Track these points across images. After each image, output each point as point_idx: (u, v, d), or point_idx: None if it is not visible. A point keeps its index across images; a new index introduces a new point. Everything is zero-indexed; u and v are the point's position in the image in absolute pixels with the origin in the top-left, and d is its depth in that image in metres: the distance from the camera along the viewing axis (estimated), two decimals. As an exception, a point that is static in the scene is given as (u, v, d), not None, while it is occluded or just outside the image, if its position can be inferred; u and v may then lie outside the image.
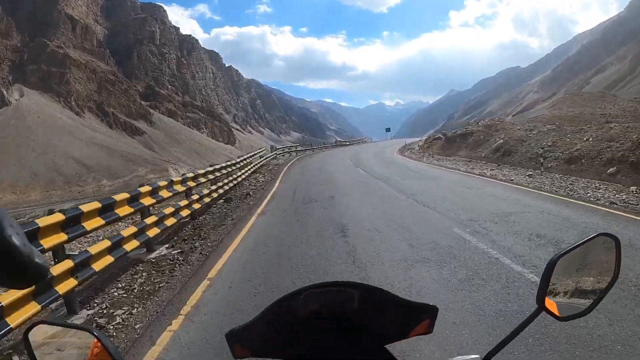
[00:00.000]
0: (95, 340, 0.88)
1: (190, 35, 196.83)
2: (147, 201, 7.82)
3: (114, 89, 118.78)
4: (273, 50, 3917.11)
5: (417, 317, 0.98)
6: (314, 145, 50.51)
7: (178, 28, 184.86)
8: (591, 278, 0.93)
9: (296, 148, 43.40)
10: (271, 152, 30.09)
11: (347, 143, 68.87)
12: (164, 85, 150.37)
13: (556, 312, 0.90)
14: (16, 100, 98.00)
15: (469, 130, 30.97)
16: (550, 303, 0.90)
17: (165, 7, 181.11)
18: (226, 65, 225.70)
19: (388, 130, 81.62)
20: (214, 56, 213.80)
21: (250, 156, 25.31)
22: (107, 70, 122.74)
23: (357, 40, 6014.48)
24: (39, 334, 0.90)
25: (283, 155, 41.61)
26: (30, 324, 0.91)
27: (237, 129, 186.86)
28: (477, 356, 0.90)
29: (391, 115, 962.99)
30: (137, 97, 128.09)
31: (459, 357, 0.94)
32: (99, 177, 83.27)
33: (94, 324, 5.03)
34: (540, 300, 0.89)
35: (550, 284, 0.90)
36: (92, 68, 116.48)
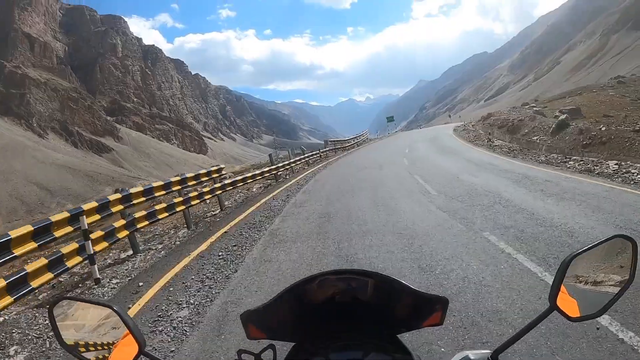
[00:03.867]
0: (116, 315, 0.91)
1: (154, 45, 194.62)
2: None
3: (77, 107, 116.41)
4: (239, 55, 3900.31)
5: (429, 308, 0.99)
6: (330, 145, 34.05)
7: (140, 39, 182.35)
8: (605, 280, 0.93)
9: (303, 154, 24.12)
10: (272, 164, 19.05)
11: (351, 142, 40.31)
12: (130, 99, 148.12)
13: (568, 312, 0.90)
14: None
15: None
16: (562, 303, 0.90)
17: (126, 19, 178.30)
18: (193, 74, 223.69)
19: (390, 119, 61.41)
20: (179, 65, 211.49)
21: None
22: (69, 88, 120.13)
23: (323, 38, 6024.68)
24: (63, 309, 0.94)
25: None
26: (55, 299, 0.96)
27: (208, 137, 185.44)
28: (488, 351, 0.91)
29: (363, 111, 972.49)
30: (102, 113, 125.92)
31: (469, 351, 0.95)
32: (63, 202, 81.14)
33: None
34: (553, 299, 0.89)
35: (564, 283, 0.90)
36: (53, 86, 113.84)
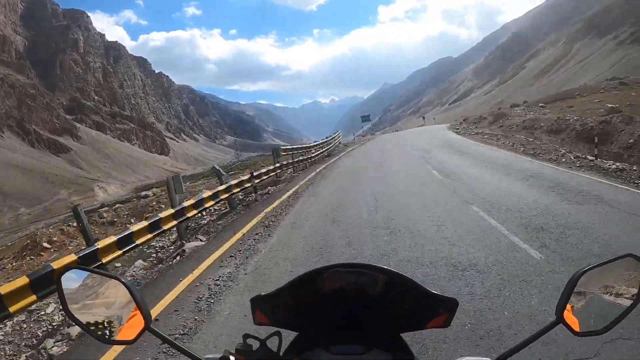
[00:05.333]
0: (123, 287, 0.92)
1: (117, 41, 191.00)
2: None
3: (35, 104, 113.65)
4: (204, 54, 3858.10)
5: (437, 309, 0.99)
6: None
7: (103, 35, 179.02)
8: (613, 297, 0.93)
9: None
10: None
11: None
12: (90, 96, 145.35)
13: (573, 326, 0.90)
14: None
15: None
16: (568, 316, 0.90)
17: (90, 14, 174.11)
18: (156, 72, 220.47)
19: (366, 119, 50.50)
20: (142, 63, 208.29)
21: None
22: (28, 84, 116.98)
23: (289, 40, 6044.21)
24: (70, 279, 0.96)
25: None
26: (64, 268, 0.97)
27: (170, 138, 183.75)
28: (488, 359, 0.92)
29: (327, 113, 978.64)
30: (61, 111, 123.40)
31: (469, 357, 0.96)
32: (16, 205, 79.76)
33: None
34: (560, 312, 0.89)
35: (572, 298, 0.90)
36: (10, 82, 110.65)
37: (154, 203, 17.96)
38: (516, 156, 16.31)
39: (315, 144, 25.73)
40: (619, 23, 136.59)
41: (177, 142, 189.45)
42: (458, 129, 35.65)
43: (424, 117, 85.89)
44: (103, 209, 18.18)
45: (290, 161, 18.29)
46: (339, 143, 34.53)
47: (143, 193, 19.94)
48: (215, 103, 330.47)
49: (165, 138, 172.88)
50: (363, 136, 49.58)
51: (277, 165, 15.98)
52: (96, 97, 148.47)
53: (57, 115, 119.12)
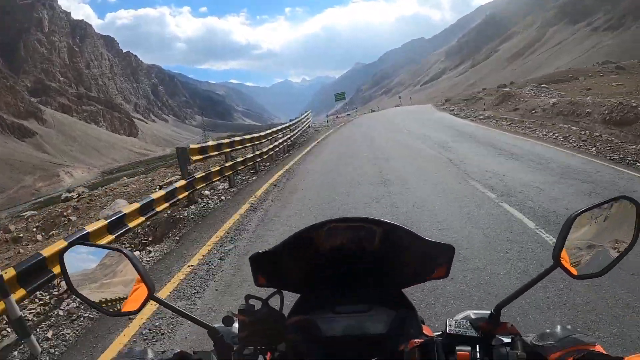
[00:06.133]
0: (125, 258, 0.92)
1: (83, 20, 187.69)
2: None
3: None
4: (173, 32, 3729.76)
5: (434, 260, 0.99)
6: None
7: (69, 13, 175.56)
8: (608, 240, 0.93)
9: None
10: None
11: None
12: (55, 78, 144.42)
13: (571, 270, 0.90)
14: None
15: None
16: (565, 260, 0.91)
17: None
18: (124, 51, 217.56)
19: (341, 97, 42.82)
20: (109, 42, 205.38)
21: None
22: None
23: (260, 18, 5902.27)
24: (74, 255, 0.96)
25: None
26: (66, 245, 0.97)
27: (139, 119, 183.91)
28: (488, 311, 0.93)
29: (298, 92, 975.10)
30: (25, 94, 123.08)
31: (470, 311, 0.97)
32: (-24, 194, 79.57)
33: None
34: (556, 256, 0.89)
35: (567, 240, 0.90)
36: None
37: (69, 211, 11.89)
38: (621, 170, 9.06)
39: (268, 131, 15.41)
40: (592, 10, 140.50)
41: (146, 123, 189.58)
42: (453, 109, 30.58)
43: (400, 97, 79.99)
44: (11, 220, 15.32)
45: (218, 167, 9.66)
46: (309, 127, 27.75)
47: (64, 195, 16.75)
48: (184, 83, 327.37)
49: (134, 119, 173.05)
50: (337, 117, 43.25)
51: (181, 184, 7.99)
52: (62, 79, 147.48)
53: (21, 98, 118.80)
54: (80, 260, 0.98)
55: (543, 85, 31.44)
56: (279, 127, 17.49)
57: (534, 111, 21.73)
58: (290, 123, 20.61)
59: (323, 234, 0.98)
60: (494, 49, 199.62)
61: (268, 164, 13.86)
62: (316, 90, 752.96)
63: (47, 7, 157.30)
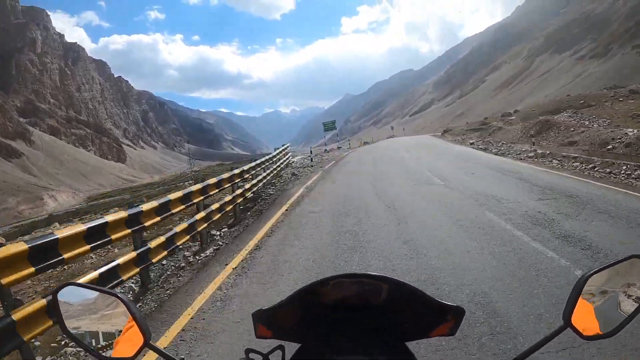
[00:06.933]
0: (121, 303, 0.91)
1: (76, 43, 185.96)
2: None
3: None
4: (166, 59, 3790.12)
5: (442, 317, 0.98)
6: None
7: (63, 35, 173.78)
8: (619, 300, 0.93)
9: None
10: None
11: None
12: (46, 99, 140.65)
13: (581, 331, 0.89)
14: None
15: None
16: (576, 321, 0.89)
17: (50, 13, 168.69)
18: (115, 76, 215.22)
19: (330, 127, 35.46)
20: (101, 66, 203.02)
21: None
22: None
23: (251, 48, 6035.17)
24: (67, 295, 0.95)
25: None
26: (60, 285, 0.95)
27: (127, 145, 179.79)
28: None
29: (288, 122, 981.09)
30: (14, 114, 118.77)
31: None
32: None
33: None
34: (567, 317, 0.89)
35: (578, 302, 0.90)
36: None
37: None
38: None
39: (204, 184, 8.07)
40: (578, 39, 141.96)
41: (135, 149, 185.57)
42: (473, 142, 25.89)
43: (392, 127, 75.92)
44: None
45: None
46: (287, 164, 20.63)
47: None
48: (175, 110, 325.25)
49: (123, 145, 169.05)
50: (327, 151, 35.16)
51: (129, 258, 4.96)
52: (52, 100, 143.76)
53: (10, 118, 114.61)
54: (75, 301, 0.96)
55: (582, 111, 26.08)
56: (234, 172, 10.03)
57: (608, 147, 15.65)
58: (254, 164, 12.58)
59: (329, 289, 0.97)
60: (481, 79, 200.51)
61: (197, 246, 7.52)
62: (306, 121, 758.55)
63: (41, 27, 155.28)
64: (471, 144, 25.14)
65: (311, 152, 31.20)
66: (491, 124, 31.47)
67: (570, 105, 31.02)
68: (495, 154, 19.37)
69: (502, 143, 22.92)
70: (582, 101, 31.54)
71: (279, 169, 17.15)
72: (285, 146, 21.21)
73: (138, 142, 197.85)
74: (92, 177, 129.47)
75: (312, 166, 21.26)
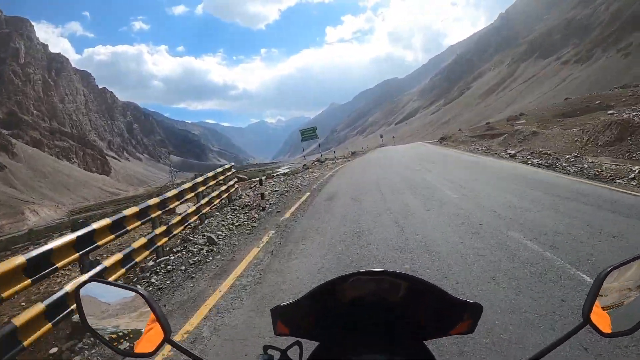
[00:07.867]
0: (142, 300, 0.92)
1: (60, 53, 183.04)
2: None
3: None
4: (150, 70, 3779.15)
5: (460, 315, 0.97)
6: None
7: (47, 46, 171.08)
8: (638, 296, 0.90)
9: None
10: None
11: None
12: (29, 111, 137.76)
13: (601, 328, 0.88)
14: None
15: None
16: (595, 317, 0.88)
17: (34, 23, 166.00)
18: (100, 87, 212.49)
19: (310, 134, 33.63)
20: (85, 77, 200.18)
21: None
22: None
23: (237, 58, 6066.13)
24: (89, 292, 0.96)
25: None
26: (83, 281, 0.97)
27: (112, 157, 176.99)
28: None
29: (274, 132, 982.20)
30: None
31: None
32: None
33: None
34: (586, 314, 0.87)
35: (598, 298, 0.88)
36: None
37: None
38: None
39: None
40: (561, 45, 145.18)
41: (119, 161, 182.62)
42: (514, 153, 17.86)
43: (382, 136, 67.66)
44: None
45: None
46: (236, 197, 12.64)
47: None
48: (160, 121, 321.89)
49: (107, 157, 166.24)
50: (307, 167, 25.73)
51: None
52: (35, 112, 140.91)
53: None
54: (96, 297, 0.97)
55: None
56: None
57: None
58: (160, 198, 7.00)
59: (347, 286, 0.96)
60: (466, 86, 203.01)
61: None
62: (292, 131, 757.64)
63: (25, 37, 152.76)
64: (511, 156, 17.38)
65: (287, 169, 26.86)
66: (519, 128, 24.75)
67: (587, 107, 28.13)
68: (589, 178, 10.55)
69: (557, 154, 15.70)
70: (598, 102, 29.09)
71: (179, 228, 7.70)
72: (224, 167, 12.18)
73: (123, 154, 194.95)
74: (75, 190, 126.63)
75: (287, 194, 12.49)
